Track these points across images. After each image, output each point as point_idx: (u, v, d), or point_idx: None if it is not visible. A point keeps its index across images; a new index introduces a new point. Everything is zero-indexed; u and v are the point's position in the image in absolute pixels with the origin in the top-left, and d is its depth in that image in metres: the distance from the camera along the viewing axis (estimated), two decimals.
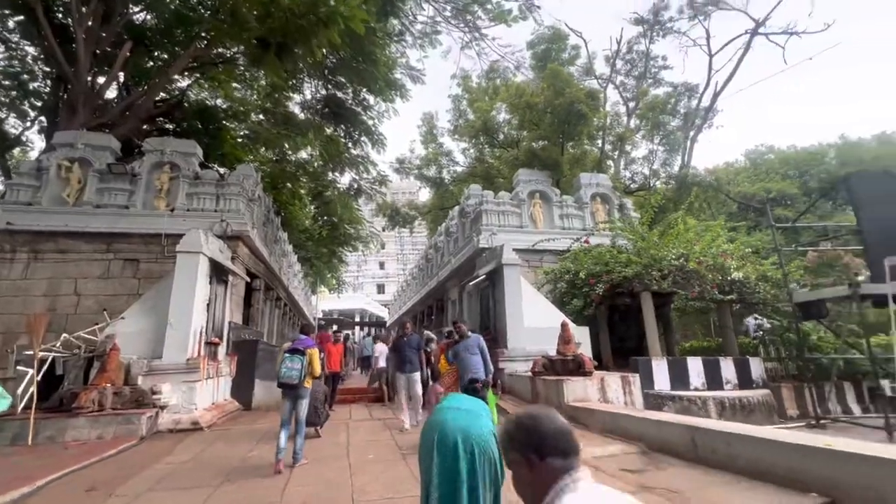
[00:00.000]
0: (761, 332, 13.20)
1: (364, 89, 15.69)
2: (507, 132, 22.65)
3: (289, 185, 18.84)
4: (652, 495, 3.51)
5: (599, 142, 21.22)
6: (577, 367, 7.34)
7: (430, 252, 21.93)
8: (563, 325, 8.11)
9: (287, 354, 4.74)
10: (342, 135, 17.32)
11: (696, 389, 9.50)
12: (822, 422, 9.14)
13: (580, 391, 6.77)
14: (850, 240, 12.39)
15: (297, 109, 17.27)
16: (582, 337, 9.21)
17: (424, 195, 34.69)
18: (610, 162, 22.18)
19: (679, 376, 9.67)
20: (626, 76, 23.49)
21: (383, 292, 53.18)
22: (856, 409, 10.37)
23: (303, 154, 19.39)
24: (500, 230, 13.18)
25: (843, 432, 7.82)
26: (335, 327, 23.98)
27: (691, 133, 22.10)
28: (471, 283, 12.00)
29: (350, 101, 16.51)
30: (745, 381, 9.92)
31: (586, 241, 12.83)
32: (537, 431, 1.02)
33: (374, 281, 55.70)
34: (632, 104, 23.72)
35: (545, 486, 0.95)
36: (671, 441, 4.59)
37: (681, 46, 23.19)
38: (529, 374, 8.03)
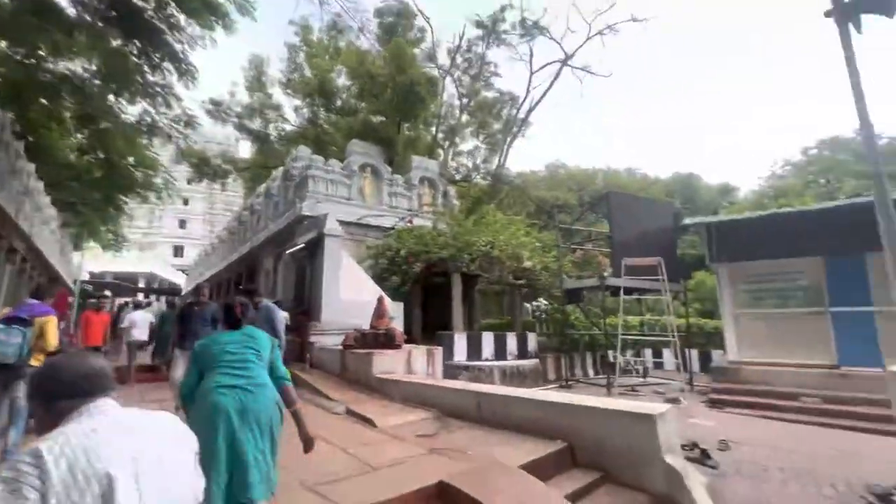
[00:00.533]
0: (539, 312, 16.10)
1: (172, 2, 12.64)
2: (345, 99, 21.63)
3: (43, 101, 14.01)
4: (440, 456, 3.82)
5: (433, 129, 22.17)
6: (388, 341, 7.54)
7: (245, 214, 19.51)
8: (380, 300, 8.22)
9: (1, 325, 3.46)
10: (135, 52, 13.65)
11: (486, 360, 10.99)
12: (570, 383, 11.73)
13: (388, 363, 6.98)
14: (604, 243, 16.04)
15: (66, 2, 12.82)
16: (396, 312, 9.53)
17: (245, 150, 30.57)
18: (440, 150, 23.45)
19: (475, 349, 11.02)
20: (463, 73, 24.92)
21: (182, 255, 45.39)
22: (591, 373, 13.64)
23: (72, 65, 14.62)
24: (326, 199, 12.55)
25: (582, 390, 10.15)
26: (108, 293, 19.33)
27: (509, 138, 25.06)
28: (288, 252, 11.14)
29: (151, 13, 13.08)
30: (523, 352, 11.93)
31: (410, 222, 13.30)
32: (52, 379, 1.14)
33: (171, 241, 46.98)
34: (465, 100, 25.46)
35: (55, 425, 1.07)
36: (462, 406, 5.11)
37: (510, 58, 25.85)
38: (340, 347, 7.92)
